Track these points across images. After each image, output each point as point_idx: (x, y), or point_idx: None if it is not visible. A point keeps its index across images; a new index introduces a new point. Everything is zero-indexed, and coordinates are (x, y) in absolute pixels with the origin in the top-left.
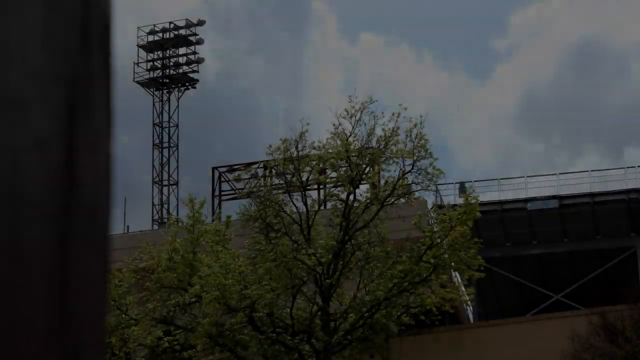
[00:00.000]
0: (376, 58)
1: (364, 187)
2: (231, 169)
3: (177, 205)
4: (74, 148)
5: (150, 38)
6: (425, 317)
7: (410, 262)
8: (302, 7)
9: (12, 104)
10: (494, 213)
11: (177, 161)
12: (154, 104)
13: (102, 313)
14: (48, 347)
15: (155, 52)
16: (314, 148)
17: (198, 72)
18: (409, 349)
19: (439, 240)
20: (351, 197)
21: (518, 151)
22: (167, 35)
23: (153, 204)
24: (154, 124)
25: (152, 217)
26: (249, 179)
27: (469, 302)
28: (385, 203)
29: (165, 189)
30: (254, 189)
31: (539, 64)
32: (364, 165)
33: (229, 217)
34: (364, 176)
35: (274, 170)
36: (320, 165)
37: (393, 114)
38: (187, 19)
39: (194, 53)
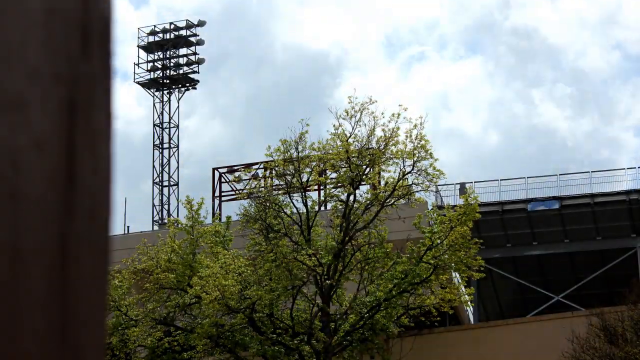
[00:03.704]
0: None
1: (364, 188)
2: (231, 169)
3: (178, 206)
4: (74, 148)
5: (151, 39)
6: (425, 318)
7: (410, 263)
8: None
9: (12, 104)
10: (494, 214)
11: (178, 162)
12: (154, 105)
13: (102, 313)
14: (48, 347)
15: (156, 53)
16: (314, 149)
17: (198, 72)
18: (409, 350)
19: (439, 241)
20: (351, 198)
21: None
22: (167, 36)
23: (153, 205)
24: (154, 125)
25: (152, 217)
26: (249, 179)
27: (469, 303)
28: (385, 204)
29: (165, 190)
30: (254, 190)
31: None
32: (364, 166)
33: (229, 218)
34: (364, 177)
35: (274, 171)
36: (320, 166)
37: (393, 115)
38: (187, 20)
39: (195, 54)
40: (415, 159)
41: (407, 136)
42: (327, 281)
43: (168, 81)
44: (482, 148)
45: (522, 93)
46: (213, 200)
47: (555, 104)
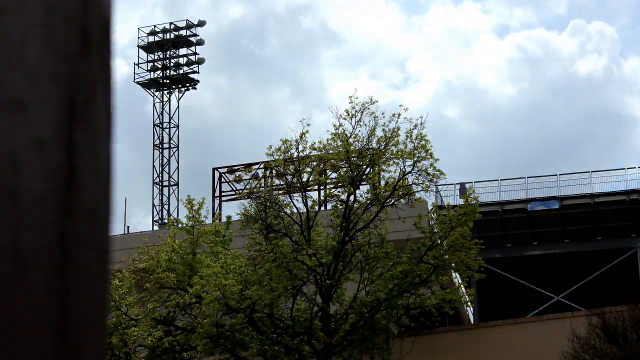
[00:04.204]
0: None
1: (364, 188)
2: (231, 169)
3: (178, 206)
4: (74, 148)
5: (151, 39)
6: (425, 318)
7: (411, 263)
8: None
9: (12, 104)
10: (494, 214)
11: (178, 162)
12: (154, 105)
13: (102, 313)
14: (48, 347)
15: (156, 53)
16: (314, 149)
17: (198, 72)
18: (410, 350)
19: (439, 241)
20: (351, 197)
21: None
22: (167, 36)
23: (153, 205)
24: (154, 125)
25: (152, 217)
26: (249, 179)
27: (469, 303)
28: (385, 204)
29: (165, 190)
30: (254, 190)
31: None
32: (364, 166)
33: (229, 217)
34: (364, 177)
35: (274, 171)
36: (321, 166)
37: (393, 115)
38: (187, 20)
39: (195, 54)
40: (415, 159)
41: (407, 136)
42: (327, 281)
43: (168, 81)
44: None
45: None
46: (213, 200)
47: None
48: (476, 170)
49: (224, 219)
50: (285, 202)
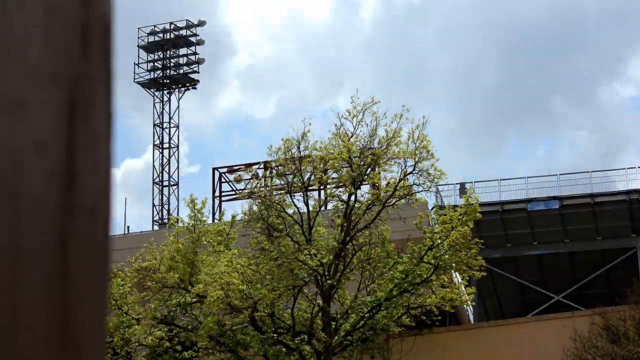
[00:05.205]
0: None
1: (365, 188)
2: (231, 169)
3: (178, 205)
4: (74, 148)
5: (151, 39)
6: (425, 318)
7: (411, 263)
8: None
9: (12, 104)
10: (494, 214)
11: (178, 162)
12: (154, 105)
13: (102, 313)
14: (48, 347)
15: (156, 53)
16: (316, 149)
17: (198, 72)
18: (410, 350)
19: (439, 241)
20: (352, 197)
21: None
22: (167, 36)
23: (153, 205)
24: (154, 125)
25: (153, 217)
26: (250, 179)
27: (469, 303)
28: (386, 204)
29: (165, 190)
30: (255, 190)
31: None
32: (366, 166)
33: (234, 216)
34: (365, 177)
35: (274, 171)
36: (322, 166)
37: (395, 115)
38: (187, 20)
39: (195, 54)
40: (416, 159)
41: (409, 136)
42: (328, 281)
43: (168, 81)
44: None
45: None
46: (213, 200)
47: None
48: (483, 69)
49: (224, 219)
50: (286, 201)
